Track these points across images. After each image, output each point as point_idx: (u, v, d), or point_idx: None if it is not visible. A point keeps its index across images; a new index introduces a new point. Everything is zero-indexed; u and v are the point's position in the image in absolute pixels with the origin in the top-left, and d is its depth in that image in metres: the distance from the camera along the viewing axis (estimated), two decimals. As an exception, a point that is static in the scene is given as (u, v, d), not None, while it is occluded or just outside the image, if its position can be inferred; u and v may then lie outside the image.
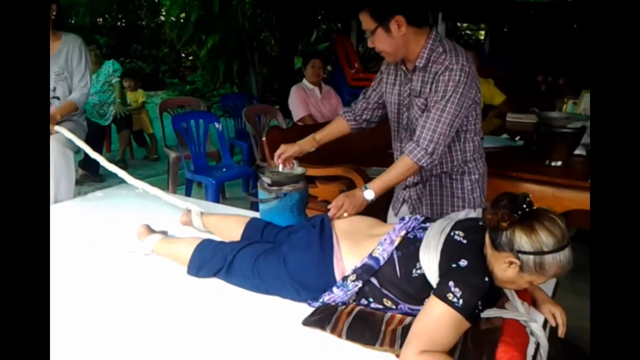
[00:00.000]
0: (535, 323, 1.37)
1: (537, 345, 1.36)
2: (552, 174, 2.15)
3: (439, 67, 1.66)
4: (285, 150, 1.93)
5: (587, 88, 3.12)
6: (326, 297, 1.46)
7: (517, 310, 1.40)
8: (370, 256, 1.42)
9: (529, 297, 1.49)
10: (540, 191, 2.09)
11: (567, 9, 8.68)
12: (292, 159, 1.95)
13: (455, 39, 9.79)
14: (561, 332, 1.43)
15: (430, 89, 1.68)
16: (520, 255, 1.22)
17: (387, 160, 2.87)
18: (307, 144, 1.97)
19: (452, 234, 1.36)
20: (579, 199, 2.07)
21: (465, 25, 12.01)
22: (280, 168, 1.96)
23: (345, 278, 1.44)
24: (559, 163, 2.24)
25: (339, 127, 2.04)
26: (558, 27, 7.96)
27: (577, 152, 2.32)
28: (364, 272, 1.41)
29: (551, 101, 3.61)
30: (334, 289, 1.45)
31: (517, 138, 2.75)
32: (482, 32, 11.73)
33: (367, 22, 1.67)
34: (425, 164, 1.67)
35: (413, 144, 1.68)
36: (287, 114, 4.21)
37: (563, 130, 2.17)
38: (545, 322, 1.46)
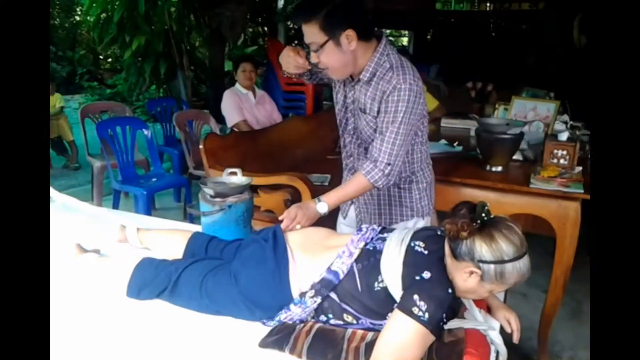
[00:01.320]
0: (494, 331, 1.37)
1: (497, 353, 1.37)
2: (493, 179, 2.19)
3: (386, 85, 1.60)
4: (293, 52, 1.68)
5: (515, 93, 3.25)
6: (283, 316, 1.39)
7: (475, 319, 1.39)
8: (329, 270, 1.36)
9: (484, 303, 1.50)
10: (483, 196, 2.12)
11: (486, 18, 9.15)
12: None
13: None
14: (516, 338, 1.44)
15: (379, 109, 1.63)
16: (481, 264, 1.22)
17: (326, 166, 2.86)
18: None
19: (412, 244, 1.34)
20: (520, 203, 2.13)
21: (388, 31, 12.32)
22: (225, 176, 1.86)
23: (303, 294, 1.37)
24: (499, 168, 2.29)
25: None
26: (478, 35, 8.34)
27: (514, 157, 2.39)
28: (323, 287, 1.35)
29: (480, 107, 3.74)
30: (292, 307, 1.37)
31: (455, 143, 2.80)
32: (405, 39, 12.11)
33: (314, 35, 1.56)
34: (381, 185, 1.65)
35: (370, 164, 1.64)
36: (219, 119, 4.08)
37: (504, 136, 2.22)
38: (500, 327, 1.47)
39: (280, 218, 1.61)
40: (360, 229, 1.47)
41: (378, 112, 1.64)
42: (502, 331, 1.43)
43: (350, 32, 1.54)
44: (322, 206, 1.64)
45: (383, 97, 1.61)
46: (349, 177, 1.83)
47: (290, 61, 1.69)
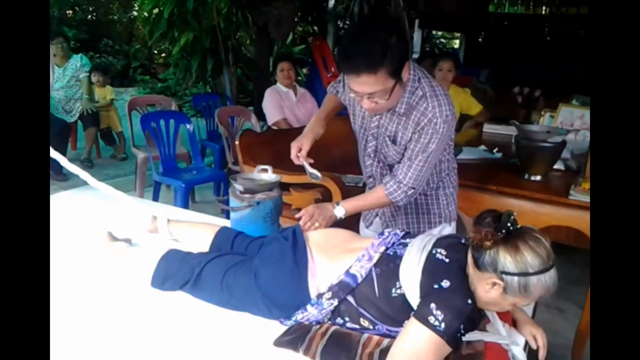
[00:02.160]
0: (518, 347, 1.32)
1: (519, 369, 1.31)
2: (531, 189, 2.11)
3: (420, 116, 1.53)
4: (301, 145, 1.71)
5: (564, 101, 3.12)
6: (299, 316, 1.38)
7: (498, 332, 1.34)
8: (348, 273, 1.35)
9: (510, 317, 1.44)
10: (520, 206, 2.05)
11: (541, 21, 8.85)
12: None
13: (429, 47, 9.90)
14: (542, 355, 1.38)
15: (411, 138, 1.58)
16: (504, 276, 1.17)
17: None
18: (317, 127, 1.77)
19: (433, 251, 1.30)
20: (558, 215, 2.04)
21: (439, 33, 12.12)
22: (256, 172, 1.87)
23: (320, 295, 1.36)
24: (539, 177, 2.20)
25: (334, 103, 1.86)
26: (532, 39, 8.08)
27: (556, 166, 2.30)
28: (340, 289, 1.34)
29: (527, 113, 3.62)
30: (308, 307, 1.37)
31: (495, 150, 2.72)
32: (457, 41, 11.88)
33: (381, 83, 1.40)
34: (401, 203, 1.65)
35: (394, 184, 1.62)
36: (261, 116, 4.12)
37: (544, 145, 2.13)
38: (525, 343, 1.41)
39: (297, 216, 1.61)
40: (382, 233, 1.45)
41: (410, 141, 1.59)
42: (529, 347, 1.38)
43: (407, 64, 1.46)
44: (340, 210, 1.64)
45: (417, 128, 1.56)
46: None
47: (292, 152, 1.71)
